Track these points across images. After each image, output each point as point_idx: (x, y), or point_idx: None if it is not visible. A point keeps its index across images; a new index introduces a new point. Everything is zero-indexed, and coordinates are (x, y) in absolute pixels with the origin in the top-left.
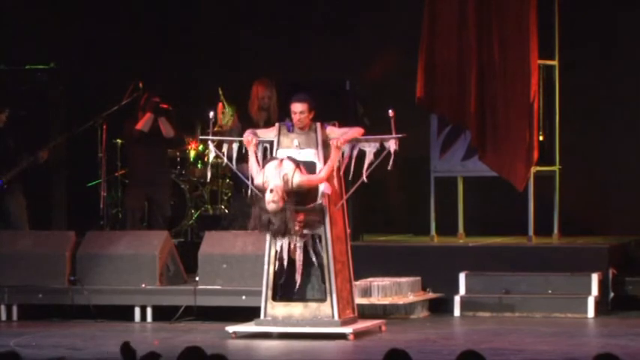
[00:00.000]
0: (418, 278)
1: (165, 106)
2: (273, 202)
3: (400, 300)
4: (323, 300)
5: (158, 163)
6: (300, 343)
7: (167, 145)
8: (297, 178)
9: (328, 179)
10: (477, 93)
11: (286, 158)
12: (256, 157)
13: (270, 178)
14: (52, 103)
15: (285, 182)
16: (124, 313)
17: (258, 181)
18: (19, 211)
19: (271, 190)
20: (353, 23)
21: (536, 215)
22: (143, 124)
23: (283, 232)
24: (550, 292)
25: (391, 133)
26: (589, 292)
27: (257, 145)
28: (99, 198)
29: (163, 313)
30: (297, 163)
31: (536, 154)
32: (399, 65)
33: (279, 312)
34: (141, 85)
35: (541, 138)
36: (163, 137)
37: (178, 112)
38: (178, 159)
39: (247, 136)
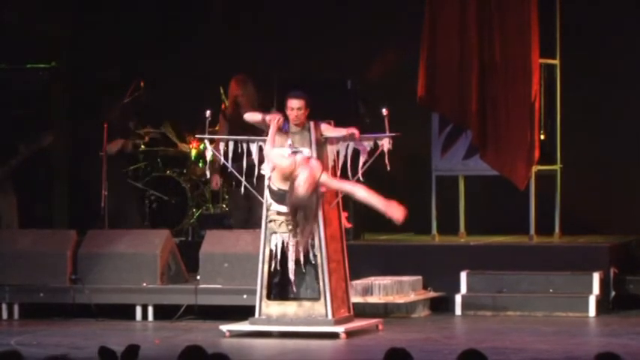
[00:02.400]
0: (419, 277)
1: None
2: (305, 184)
3: (401, 299)
4: (317, 299)
5: None
6: (297, 342)
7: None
8: (325, 177)
9: None
10: (478, 92)
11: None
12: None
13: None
14: (53, 102)
15: (313, 177)
16: (125, 312)
17: (284, 163)
18: (9, 209)
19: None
20: (354, 22)
21: (538, 214)
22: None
23: (307, 218)
24: (551, 291)
25: (385, 132)
26: (590, 291)
27: (280, 122)
28: (100, 197)
29: (164, 312)
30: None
31: (537, 153)
32: (400, 64)
33: (273, 311)
34: (142, 84)
35: (542, 137)
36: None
37: (179, 111)
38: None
39: (274, 115)
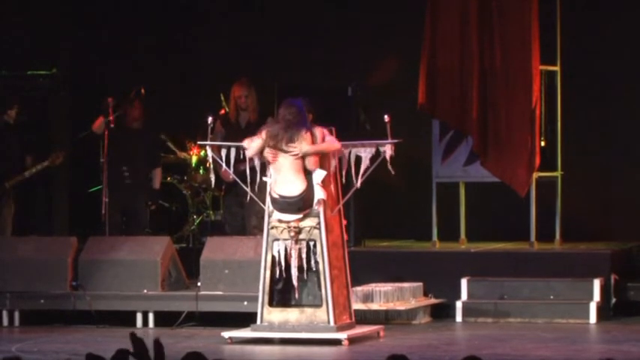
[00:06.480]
0: (420, 284)
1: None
2: None
3: (402, 305)
4: (319, 306)
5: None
6: (299, 348)
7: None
8: (306, 147)
9: (325, 186)
10: (479, 99)
11: None
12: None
13: None
14: (53, 109)
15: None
16: (125, 319)
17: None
18: (7, 218)
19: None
20: (355, 29)
21: (538, 221)
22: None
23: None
24: (552, 297)
25: (387, 139)
26: (591, 298)
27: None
28: (101, 203)
29: (165, 319)
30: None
31: (538, 160)
32: (401, 71)
33: (275, 317)
34: (142, 91)
35: (543, 144)
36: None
37: (179, 118)
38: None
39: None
